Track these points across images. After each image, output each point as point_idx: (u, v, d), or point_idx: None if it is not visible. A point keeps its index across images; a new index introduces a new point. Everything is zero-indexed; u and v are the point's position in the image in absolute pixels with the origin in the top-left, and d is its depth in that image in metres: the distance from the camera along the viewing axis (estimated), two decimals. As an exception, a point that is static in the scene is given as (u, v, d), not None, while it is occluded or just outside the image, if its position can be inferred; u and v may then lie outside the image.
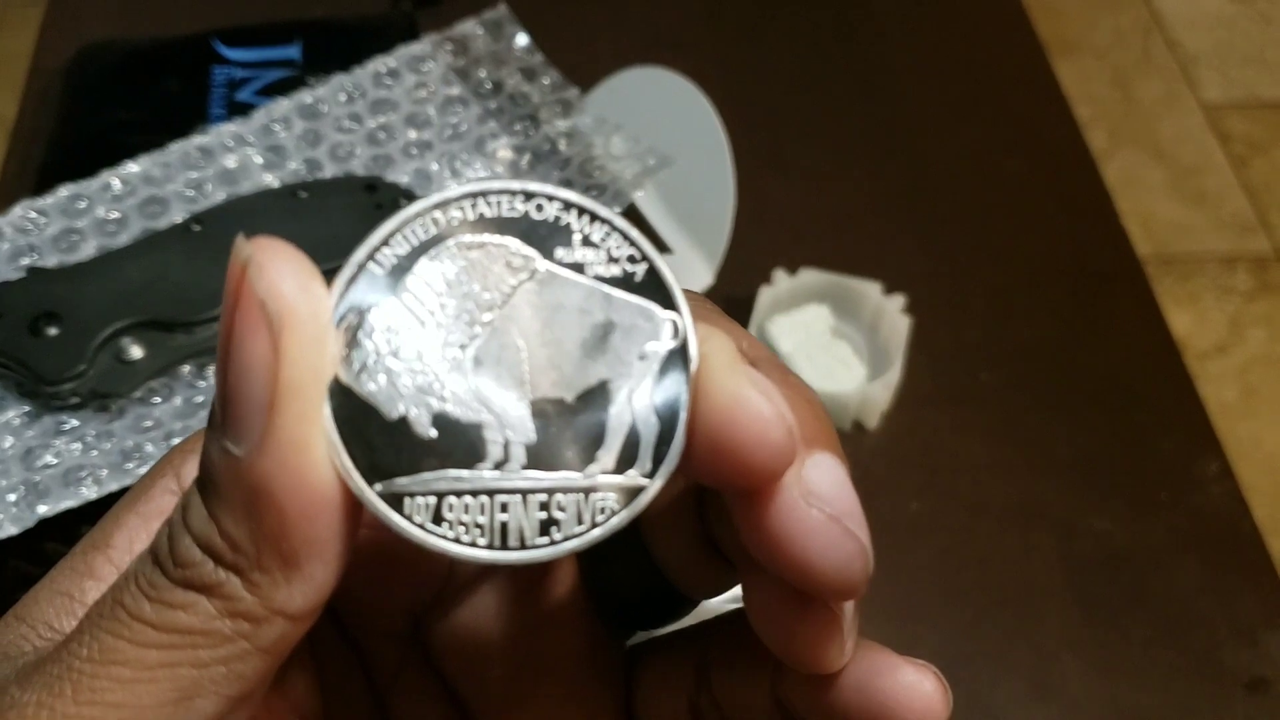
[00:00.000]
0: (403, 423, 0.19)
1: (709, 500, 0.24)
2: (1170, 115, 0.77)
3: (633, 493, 0.20)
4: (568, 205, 0.20)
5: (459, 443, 0.19)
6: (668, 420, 0.20)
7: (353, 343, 0.19)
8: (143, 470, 0.47)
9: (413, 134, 0.59)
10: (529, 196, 0.20)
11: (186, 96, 0.63)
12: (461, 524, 0.19)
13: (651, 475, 0.20)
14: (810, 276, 0.59)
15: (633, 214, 0.59)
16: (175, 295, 0.50)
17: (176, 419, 0.50)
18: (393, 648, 0.27)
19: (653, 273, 0.20)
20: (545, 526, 0.19)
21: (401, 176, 0.58)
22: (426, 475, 0.19)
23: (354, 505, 0.19)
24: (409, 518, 0.19)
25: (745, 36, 0.74)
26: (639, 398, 0.20)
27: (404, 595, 0.27)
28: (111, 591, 0.20)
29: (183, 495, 0.20)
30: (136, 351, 0.50)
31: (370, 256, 0.20)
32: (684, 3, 0.76)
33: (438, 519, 0.19)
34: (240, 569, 0.19)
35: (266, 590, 0.19)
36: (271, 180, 0.57)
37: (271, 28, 0.66)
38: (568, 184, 0.58)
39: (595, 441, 0.20)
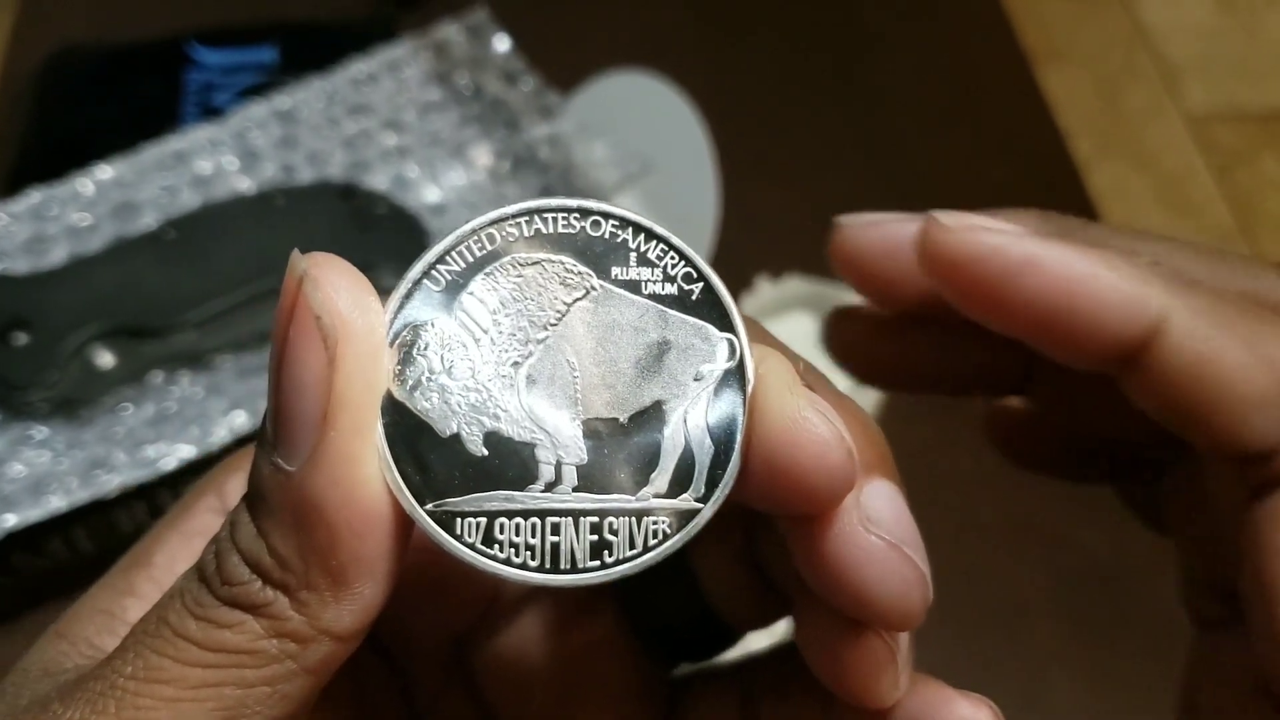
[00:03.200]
0: (455, 441, 0.19)
1: (758, 526, 0.24)
2: (1154, 125, 0.77)
3: (686, 516, 0.20)
4: (624, 222, 0.20)
5: (511, 463, 0.20)
6: (723, 442, 0.20)
7: (407, 359, 0.19)
8: (113, 480, 0.47)
9: (391, 139, 0.59)
10: (585, 213, 0.20)
11: (160, 100, 0.62)
12: (513, 545, 0.19)
13: (705, 499, 0.20)
14: (794, 284, 0.58)
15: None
16: (147, 302, 0.50)
17: (147, 427, 0.49)
18: (434, 670, 0.27)
19: (709, 291, 0.20)
20: (597, 549, 0.19)
21: (380, 181, 0.57)
22: (478, 495, 0.19)
23: (405, 523, 0.19)
24: (460, 538, 0.19)
25: (728, 41, 0.74)
26: (694, 419, 0.20)
27: (448, 617, 0.27)
28: (156, 609, 0.19)
29: (230, 513, 0.20)
30: (107, 359, 0.49)
31: (425, 273, 0.20)
32: (666, 7, 0.75)
33: (489, 540, 0.19)
34: (288, 587, 0.19)
35: (314, 609, 0.19)
36: (246, 185, 0.56)
37: (247, 30, 0.65)
38: (548, 190, 0.57)
39: (649, 463, 0.20)
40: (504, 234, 0.20)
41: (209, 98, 0.62)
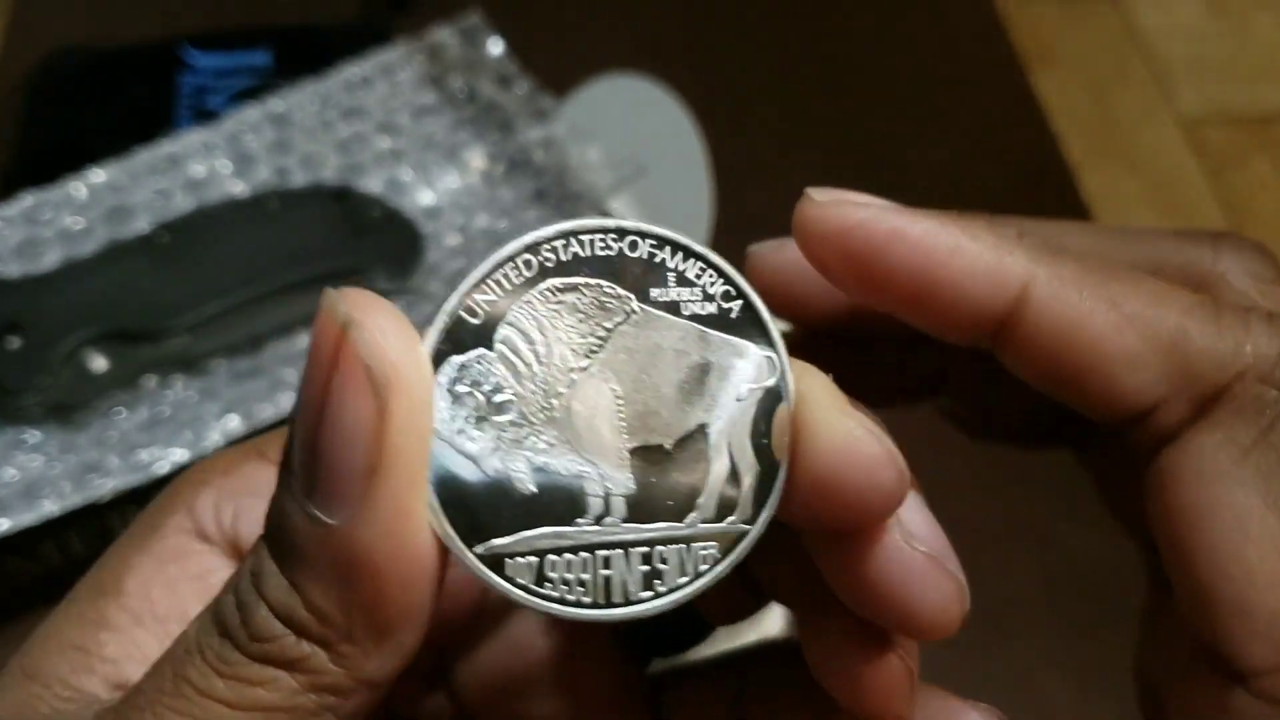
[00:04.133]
0: (501, 479, 0.19)
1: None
2: (1146, 128, 0.77)
3: (734, 540, 0.19)
4: (662, 242, 0.20)
5: (559, 497, 0.19)
6: (767, 463, 0.19)
7: (449, 399, 0.19)
8: (106, 484, 0.46)
9: (385, 142, 0.59)
10: (622, 234, 0.20)
11: (154, 103, 0.62)
12: (564, 583, 0.19)
13: (752, 520, 0.19)
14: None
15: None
16: (141, 306, 0.49)
17: (140, 431, 0.49)
18: (417, 685, 0.26)
19: (749, 308, 0.20)
20: (648, 579, 0.19)
21: (374, 185, 0.57)
22: (527, 534, 0.19)
23: (444, 564, 0.19)
24: (511, 580, 0.19)
25: (722, 45, 0.74)
26: (737, 441, 0.19)
27: (431, 632, 0.26)
28: (171, 665, 0.18)
29: (249, 559, 0.18)
30: (101, 363, 0.49)
31: (462, 304, 0.19)
32: (660, 11, 0.75)
33: (541, 579, 0.19)
34: (328, 642, 0.18)
35: (355, 661, 0.18)
36: (240, 189, 0.56)
37: (242, 33, 0.65)
38: (542, 194, 0.57)
39: (695, 489, 0.19)
40: (541, 259, 0.19)
41: (202, 101, 0.62)
